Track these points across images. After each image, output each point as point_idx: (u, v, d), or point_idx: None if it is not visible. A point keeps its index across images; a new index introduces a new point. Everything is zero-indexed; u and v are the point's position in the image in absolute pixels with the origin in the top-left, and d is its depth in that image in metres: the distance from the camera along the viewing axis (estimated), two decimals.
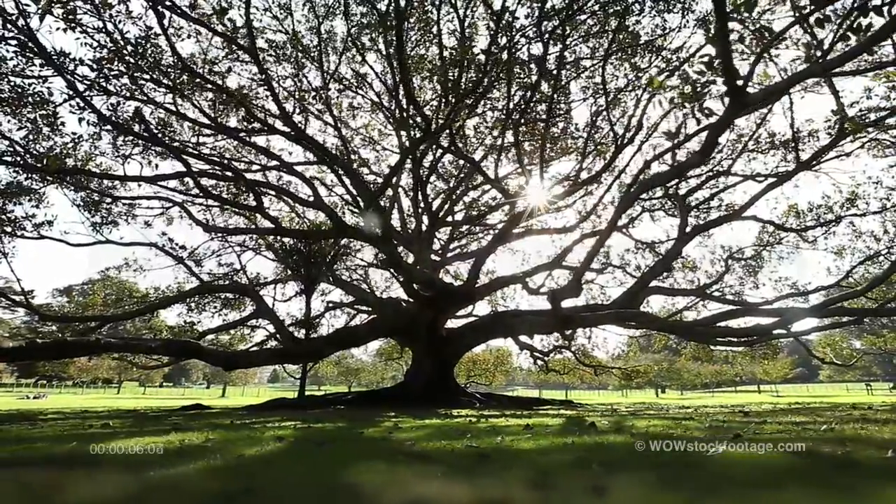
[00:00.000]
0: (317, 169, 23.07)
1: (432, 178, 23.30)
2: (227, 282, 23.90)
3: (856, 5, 6.98)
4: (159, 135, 16.53)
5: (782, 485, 3.21)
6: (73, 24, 12.05)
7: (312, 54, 18.59)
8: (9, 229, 16.94)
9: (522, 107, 17.06)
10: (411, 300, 21.50)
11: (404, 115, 18.01)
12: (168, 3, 12.53)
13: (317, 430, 7.27)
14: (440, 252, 25.68)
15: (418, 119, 17.35)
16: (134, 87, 14.83)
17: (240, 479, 3.45)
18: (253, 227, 22.64)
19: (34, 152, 14.69)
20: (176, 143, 17.47)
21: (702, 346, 26.04)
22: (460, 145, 19.86)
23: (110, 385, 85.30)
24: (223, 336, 26.58)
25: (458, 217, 26.02)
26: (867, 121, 14.95)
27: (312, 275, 20.70)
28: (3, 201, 16.72)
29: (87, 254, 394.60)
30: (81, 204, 18.88)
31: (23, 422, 10.41)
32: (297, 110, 18.91)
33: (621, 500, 2.86)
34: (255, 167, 21.25)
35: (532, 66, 16.33)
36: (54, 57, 12.14)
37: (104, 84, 13.95)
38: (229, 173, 17.32)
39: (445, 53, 16.48)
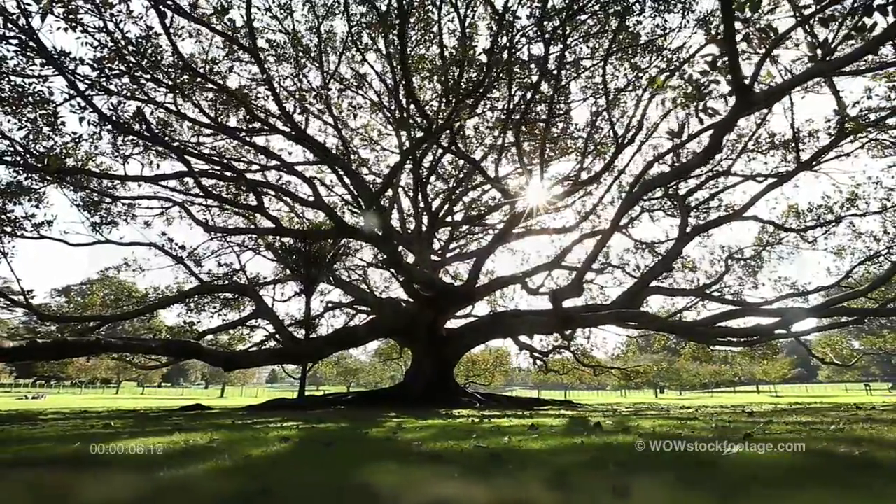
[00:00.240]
0: (316, 169, 23.04)
1: (432, 179, 23.29)
2: (226, 282, 23.86)
3: (856, 5, 6.99)
4: (160, 134, 16.48)
5: (805, 485, 3.20)
6: (73, 24, 12.03)
7: (312, 54, 18.55)
8: (9, 229, 16.91)
9: (523, 107, 17.05)
10: (411, 300, 21.49)
11: (404, 114, 18.00)
12: (170, 3, 12.51)
13: (320, 430, 7.26)
14: (440, 252, 25.67)
15: (419, 119, 17.35)
16: (135, 87, 14.81)
17: (254, 480, 3.42)
18: (253, 226, 22.61)
19: (34, 152, 14.65)
20: (176, 143, 17.44)
21: (701, 346, 26.06)
22: (460, 145, 19.85)
23: (108, 385, 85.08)
24: (222, 336, 26.54)
25: (458, 217, 26.01)
26: (868, 121, 14.96)
27: (312, 275, 20.66)
28: (3, 201, 16.68)
29: (87, 254, 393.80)
30: (81, 204, 18.85)
31: (23, 422, 10.40)
32: (298, 110, 18.88)
33: (646, 501, 2.84)
34: (254, 167, 21.21)
35: (532, 66, 16.32)
36: (55, 56, 12.11)
37: (105, 84, 13.93)
38: (230, 173, 17.29)
39: (446, 53, 16.45)
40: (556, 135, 20.13)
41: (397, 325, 21.00)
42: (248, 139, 18.39)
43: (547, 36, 14.83)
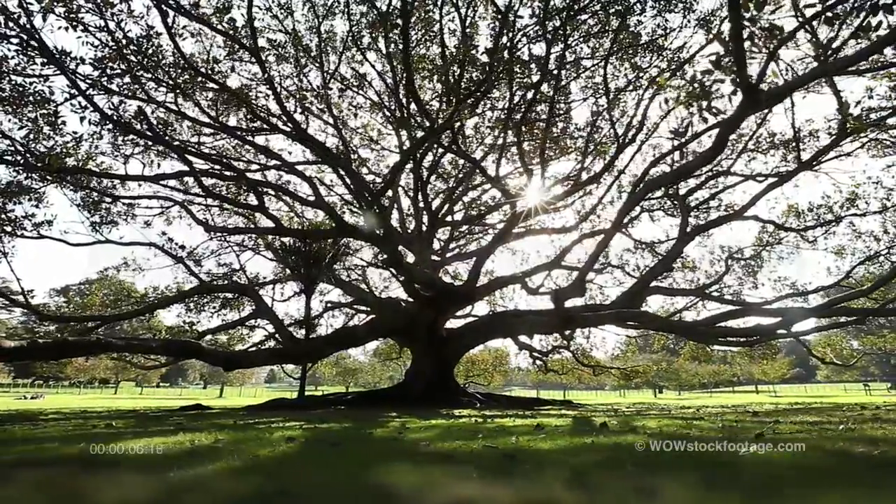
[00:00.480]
0: (315, 169, 23.02)
1: (432, 178, 23.27)
2: (226, 282, 23.83)
3: (856, 5, 6.98)
4: (161, 134, 16.46)
5: (834, 485, 3.19)
6: (74, 23, 12.02)
7: (313, 54, 18.54)
8: (9, 229, 16.89)
9: (524, 107, 17.04)
10: (411, 300, 21.47)
11: (405, 114, 17.99)
12: (172, 3, 12.50)
13: (324, 430, 7.24)
14: (440, 252, 25.66)
15: (420, 118, 17.34)
16: (136, 87, 14.79)
17: (270, 481, 3.39)
18: (253, 226, 22.59)
19: (35, 152, 14.62)
20: (177, 143, 17.42)
21: (700, 346, 26.08)
22: (461, 145, 19.84)
23: (107, 385, 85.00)
24: (221, 336, 26.49)
25: (458, 217, 26.01)
26: (869, 120, 14.96)
27: (312, 275, 20.63)
28: (3, 201, 16.65)
29: (87, 254, 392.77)
30: (81, 203, 18.83)
31: (24, 422, 10.37)
32: (299, 110, 18.86)
33: (674, 502, 2.82)
34: (254, 167, 21.19)
35: (532, 66, 16.30)
36: (56, 55, 12.08)
37: (106, 83, 13.91)
38: (231, 172, 17.27)
39: (447, 52, 16.44)
40: (556, 134, 20.12)
41: (397, 324, 20.99)
42: (249, 139, 18.36)
43: (549, 35, 14.81)
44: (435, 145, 19.77)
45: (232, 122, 18.80)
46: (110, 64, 13.44)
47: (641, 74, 17.90)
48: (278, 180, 22.53)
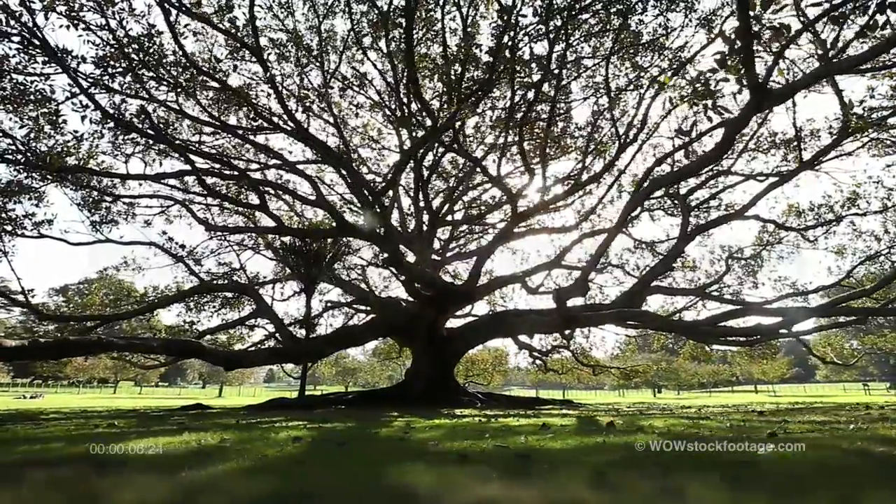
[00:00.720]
0: (315, 168, 23.01)
1: (432, 178, 23.25)
2: (226, 281, 23.80)
3: (860, 4, 6.96)
4: (162, 133, 16.44)
5: (862, 486, 3.16)
6: (76, 21, 12.00)
7: (314, 53, 18.52)
8: (9, 228, 16.86)
9: (525, 106, 17.04)
10: (412, 300, 21.45)
11: (405, 112, 17.99)
12: (175, 2, 12.48)
13: (328, 430, 7.21)
14: (440, 251, 25.65)
15: (422, 117, 17.34)
16: (137, 86, 14.76)
17: (287, 482, 3.36)
18: (253, 225, 22.57)
19: (36, 150, 14.60)
20: (178, 142, 17.39)
21: (699, 345, 26.08)
22: (462, 144, 19.83)
23: (106, 385, 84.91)
24: (221, 336, 26.45)
25: (458, 216, 26.01)
26: (872, 119, 14.97)
27: (312, 274, 20.60)
28: (4, 200, 16.63)
29: (87, 253, 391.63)
30: (81, 202, 18.81)
31: (25, 422, 10.32)
32: (300, 109, 18.85)
33: (703, 502, 2.78)
34: (255, 166, 21.17)
35: (533, 65, 16.29)
36: (58, 53, 12.06)
37: (108, 82, 13.89)
38: (233, 171, 17.24)
39: (449, 51, 16.42)
40: (557, 134, 20.11)
41: (397, 324, 20.99)
42: (250, 137, 18.34)
43: (551, 34, 14.80)
44: (436, 144, 19.77)
45: (232, 121, 18.78)
46: (111, 62, 13.42)
47: (643, 74, 17.90)
48: (278, 179, 22.49)
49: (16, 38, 11.91)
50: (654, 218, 23.21)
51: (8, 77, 12.81)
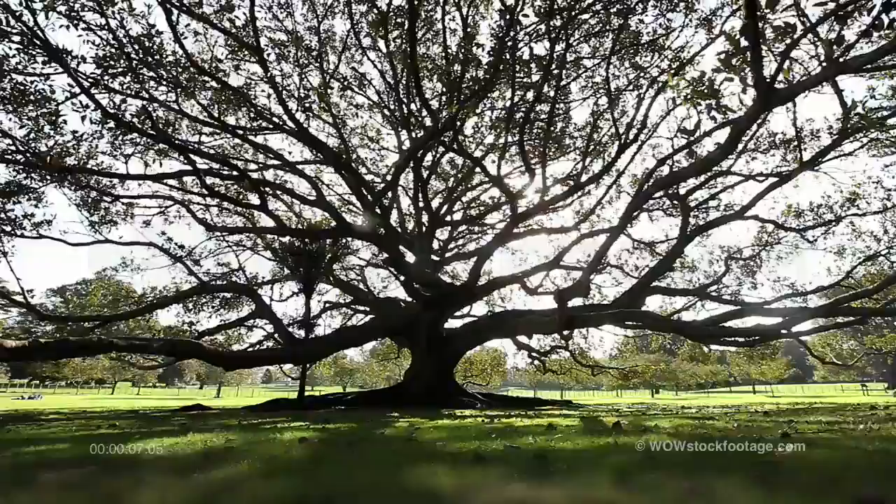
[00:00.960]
0: (314, 168, 22.99)
1: (432, 178, 23.25)
2: (224, 281, 23.75)
3: (865, 3, 6.95)
4: (164, 132, 16.41)
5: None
6: (76, 21, 11.97)
7: (314, 53, 18.49)
8: (8, 228, 16.81)
9: (525, 106, 17.03)
10: (411, 300, 21.43)
11: (406, 112, 17.99)
12: (176, 2, 12.47)
13: (333, 431, 7.19)
14: (439, 252, 25.65)
15: (422, 117, 17.32)
16: (137, 85, 14.72)
17: (308, 483, 3.33)
18: (254, 226, 22.53)
19: (36, 151, 14.57)
20: (178, 142, 17.36)
21: (697, 346, 26.09)
22: (462, 144, 19.83)
23: (103, 385, 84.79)
24: (219, 336, 26.40)
25: (458, 217, 26.02)
26: (875, 117, 14.98)
27: (312, 275, 20.55)
28: (3, 201, 16.57)
29: (86, 254, 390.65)
30: (80, 203, 18.76)
31: (27, 422, 10.30)
32: (300, 109, 18.82)
33: (736, 502, 2.76)
34: (254, 166, 21.16)
35: (532, 65, 16.28)
36: (59, 53, 12.03)
37: (108, 82, 13.86)
38: (234, 172, 17.21)
39: (449, 51, 16.41)
40: (556, 134, 20.11)
41: (397, 325, 20.99)
42: (251, 137, 18.31)
43: (552, 34, 14.78)
44: (436, 144, 19.76)
45: (231, 121, 18.74)
46: (112, 62, 13.39)
47: (643, 74, 17.90)
48: (276, 179, 22.47)
49: (16, 38, 11.88)
50: (652, 218, 23.21)
51: (8, 77, 12.78)
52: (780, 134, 19.49)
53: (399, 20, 15.56)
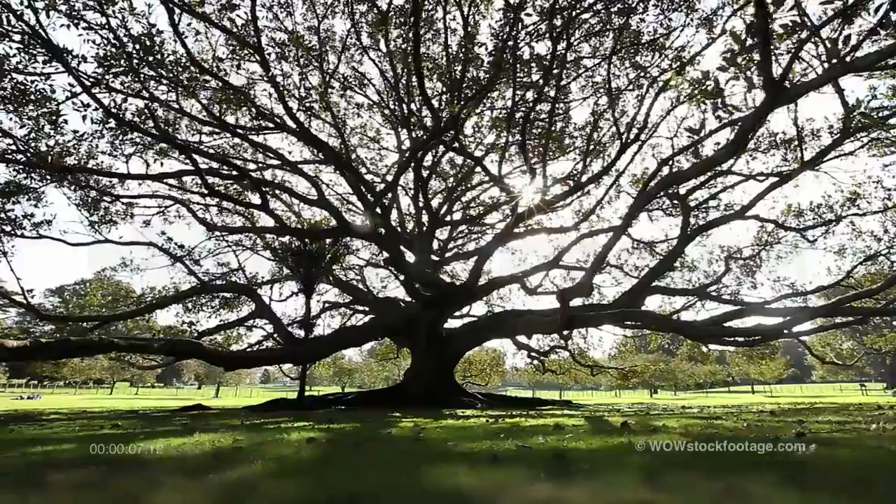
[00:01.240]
0: (313, 168, 22.96)
1: (432, 178, 23.23)
2: (224, 281, 23.71)
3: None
4: (165, 132, 16.38)
5: None
6: (76, 21, 11.94)
7: (314, 53, 18.46)
8: (8, 228, 16.77)
9: (527, 106, 17.00)
10: (411, 300, 21.41)
11: (406, 112, 17.97)
12: (178, 1, 12.45)
13: (339, 431, 7.16)
14: (439, 252, 25.64)
15: (423, 117, 17.29)
16: (138, 85, 14.69)
17: (329, 483, 3.29)
18: (254, 225, 22.50)
19: (36, 150, 14.53)
20: (179, 141, 17.33)
21: (696, 345, 26.06)
22: (463, 144, 19.81)
23: (102, 385, 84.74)
24: (219, 336, 26.35)
25: (458, 217, 26.01)
26: (877, 116, 14.98)
27: (312, 275, 20.52)
28: (3, 201, 16.53)
29: (85, 253, 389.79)
30: (80, 202, 18.72)
31: (28, 422, 10.27)
32: (301, 108, 18.78)
33: (772, 502, 2.73)
34: (253, 166, 21.13)
35: (533, 65, 16.26)
36: (60, 52, 11.99)
37: (109, 81, 13.82)
38: (235, 171, 17.18)
39: (450, 51, 16.40)
40: (557, 134, 20.09)
41: (397, 324, 20.96)
42: (251, 137, 18.28)
43: (553, 33, 14.76)
44: (437, 144, 19.74)
45: (231, 120, 18.71)
46: (112, 61, 13.35)
47: (643, 74, 17.89)
48: (274, 179, 22.45)
49: (17, 37, 11.84)
50: (652, 218, 23.20)
51: (8, 77, 12.73)
52: (780, 133, 19.46)
53: (400, 20, 15.54)
